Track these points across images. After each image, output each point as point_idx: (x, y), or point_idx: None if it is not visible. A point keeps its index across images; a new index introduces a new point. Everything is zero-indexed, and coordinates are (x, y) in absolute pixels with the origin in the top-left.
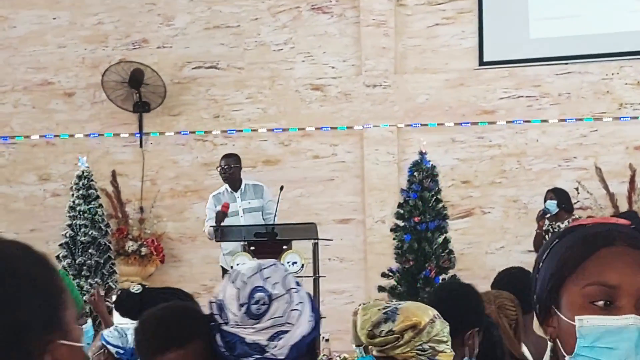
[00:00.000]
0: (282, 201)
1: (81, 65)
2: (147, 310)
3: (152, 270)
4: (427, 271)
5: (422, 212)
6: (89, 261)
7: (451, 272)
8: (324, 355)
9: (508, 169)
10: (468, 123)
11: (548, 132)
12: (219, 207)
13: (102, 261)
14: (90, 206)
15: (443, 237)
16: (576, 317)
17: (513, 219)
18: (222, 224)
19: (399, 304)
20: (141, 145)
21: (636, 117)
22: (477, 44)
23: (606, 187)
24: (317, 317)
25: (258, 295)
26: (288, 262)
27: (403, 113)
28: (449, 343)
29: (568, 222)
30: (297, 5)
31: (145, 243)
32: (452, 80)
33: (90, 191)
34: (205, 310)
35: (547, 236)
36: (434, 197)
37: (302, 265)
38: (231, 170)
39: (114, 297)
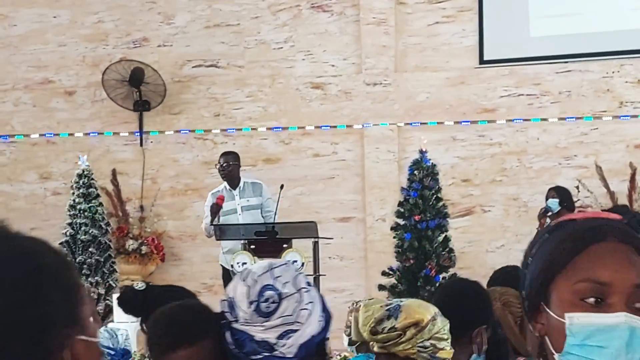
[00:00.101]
0: (283, 200)
1: (82, 63)
2: (158, 308)
3: (153, 268)
4: (427, 270)
5: (422, 210)
6: (89, 260)
7: (451, 271)
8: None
9: (508, 167)
10: (468, 121)
11: (548, 131)
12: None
13: (102, 260)
14: (90, 205)
15: (443, 235)
16: (566, 315)
17: (513, 218)
18: (221, 222)
19: (401, 301)
20: (141, 144)
21: (636, 116)
22: (478, 43)
23: (606, 186)
24: (327, 316)
25: (268, 293)
26: (288, 261)
27: (403, 111)
28: (449, 340)
29: None
30: (297, 4)
31: (145, 242)
32: (453, 78)
33: (90, 190)
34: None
35: None
36: (435, 196)
37: (303, 264)
38: (230, 167)
39: (114, 296)
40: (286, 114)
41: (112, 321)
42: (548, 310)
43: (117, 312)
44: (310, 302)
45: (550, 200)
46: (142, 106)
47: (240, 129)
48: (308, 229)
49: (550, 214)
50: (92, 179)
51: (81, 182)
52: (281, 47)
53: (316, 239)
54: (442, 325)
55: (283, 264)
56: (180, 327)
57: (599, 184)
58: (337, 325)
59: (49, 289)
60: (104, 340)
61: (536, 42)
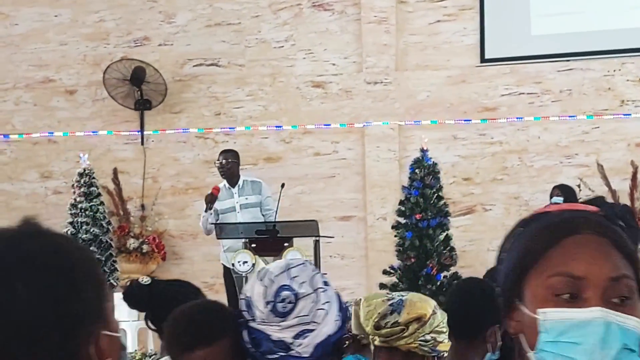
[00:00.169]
0: (283, 198)
1: (83, 62)
2: (164, 302)
3: (154, 267)
4: (428, 268)
5: (423, 209)
6: None
7: (453, 270)
8: None
9: (509, 166)
10: (469, 120)
11: (549, 129)
12: (216, 203)
13: (103, 259)
14: (91, 204)
15: (444, 234)
16: (539, 310)
17: (514, 216)
18: (220, 220)
19: (403, 296)
20: (142, 143)
21: (638, 114)
22: (479, 41)
23: (608, 184)
24: (344, 316)
25: (284, 293)
26: (306, 261)
27: (404, 110)
28: (447, 333)
29: None
30: (298, 3)
31: (146, 240)
32: (454, 77)
33: (91, 189)
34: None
35: None
36: (435, 194)
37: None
38: (229, 165)
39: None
40: (287, 112)
41: None
42: (522, 306)
43: (117, 310)
44: (327, 302)
45: (554, 198)
46: (143, 105)
47: (241, 128)
48: (309, 228)
49: None
50: (93, 177)
51: (82, 181)
52: (282, 46)
53: (317, 238)
54: (442, 319)
55: (300, 264)
56: (198, 326)
57: (600, 182)
58: None
59: (82, 286)
60: None
61: (537, 40)
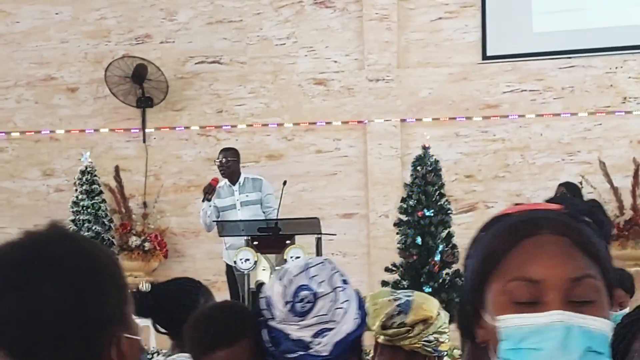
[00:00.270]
0: (285, 196)
1: (84, 60)
2: (166, 305)
3: (156, 265)
4: (430, 266)
5: (425, 206)
6: None
7: (454, 267)
8: None
9: (511, 163)
10: (471, 117)
11: (551, 126)
12: (217, 200)
13: None
14: (93, 201)
15: (446, 231)
16: (498, 317)
17: None
18: (221, 218)
19: (409, 296)
20: (144, 141)
21: None
22: (481, 38)
23: (610, 182)
24: (363, 314)
25: (303, 293)
26: (291, 257)
27: (406, 107)
28: (449, 333)
29: None
30: (299, 0)
31: (148, 238)
32: (456, 74)
33: (93, 186)
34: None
35: None
36: (438, 192)
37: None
38: (228, 164)
39: None
40: (289, 110)
41: None
42: (484, 314)
43: None
44: (346, 301)
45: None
46: (144, 103)
47: (243, 125)
48: (311, 225)
49: None
50: (95, 175)
51: (84, 178)
52: (283, 44)
53: (319, 235)
54: (445, 319)
55: (319, 263)
56: (219, 327)
57: (603, 179)
58: None
59: (106, 289)
60: None
61: (539, 37)
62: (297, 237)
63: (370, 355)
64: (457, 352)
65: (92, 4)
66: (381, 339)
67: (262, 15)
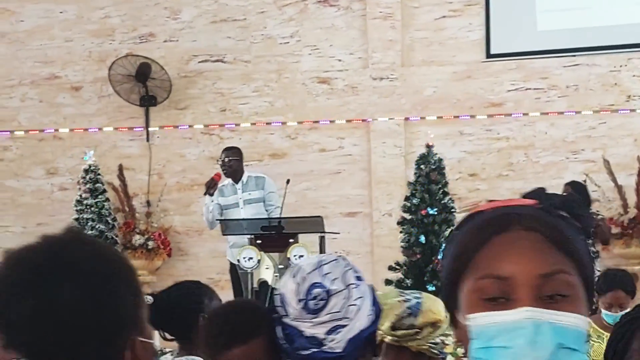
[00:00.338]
0: (289, 194)
1: (88, 59)
2: (171, 313)
3: (159, 263)
4: (434, 264)
5: (429, 205)
6: None
7: None
8: None
9: (515, 162)
10: (475, 116)
11: (556, 125)
12: (220, 198)
13: None
14: (97, 200)
15: (450, 230)
16: (468, 316)
17: None
18: (224, 216)
19: (419, 298)
20: (148, 139)
21: None
22: (485, 36)
23: (614, 180)
24: (377, 310)
25: (316, 291)
26: (294, 256)
27: (410, 106)
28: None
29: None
30: None
31: (152, 237)
32: (460, 72)
33: (97, 185)
34: None
35: None
36: (441, 190)
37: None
38: (230, 163)
39: None
40: (292, 108)
41: None
42: (458, 313)
43: None
44: (360, 298)
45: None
46: (148, 101)
47: (247, 124)
48: (314, 224)
49: None
50: (99, 174)
51: (88, 177)
52: (287, 42)
53: (322, 234)
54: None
55: (333, 260)
56: (234, 326)
57: (607, 178)
58: None
59: (122, 293)
60: None
61: (543, 35)
62: (300, 236)
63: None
64: (460, 351)
65: (96, 2)
66: (388, 339)
67: (266, 13)
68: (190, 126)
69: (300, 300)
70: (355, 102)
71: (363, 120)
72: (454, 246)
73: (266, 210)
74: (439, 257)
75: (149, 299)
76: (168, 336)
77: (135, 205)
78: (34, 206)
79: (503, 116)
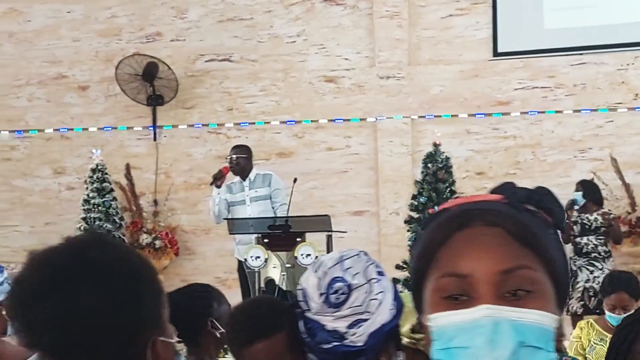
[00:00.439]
0: (296, 193)
1: (95, 58)
2: (180, 316)
3: (167, 263)
4: None
5: (436, 203)
6: None
7: None
8: None
9: (522, 160)
10: (482, 114)
11: (563, 123)
12: (228, 195)
13: None
14: (104, 199)
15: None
16: (428, 317)
17: None
18: (230, 213)
19: None
20: (155, 138)
21: None
22: (492, 35)
23: (622, 178)
24: (399, 305)
25: (337, 285)
26: (302, 255)
27: (417, 104)
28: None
29: (597, 214)
30: None
31: (159, 236)
32: (467, 71)
33: (104, 184)
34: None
35: (574, 227)
36: (448, 189)
37: (316, 258)
38: (237, 161)
39: None
40: (299, 107)
41: None
42: (421, 315)
43: None
44: (381, 292)
45: (574, 193)
46: (155, 101)
47: (254, 123)
48: (321, 223)
49: (576, 207)
50: (106, 173)
51: (95, 176)
52: (294, 41)
53: (330, 233)
54: None
55: (355, 255)
56: (255, 322)
57: (614, 176)
58: None
59: (143, 294)
60: None
61: (550, 34)
62: (307, 235)
63: None
64: None
65: (104, 2)
66: (405, 340)
67: (273, 13)
68: (197, 125)
69: (321, 294)
70: (362, 101)
71: (370, 119)
72: (418, 245)
73: (272, 208)
74: (410, 258)
75: None
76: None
77: (142, 204)
78: (42, 205)
79: (510, 115)
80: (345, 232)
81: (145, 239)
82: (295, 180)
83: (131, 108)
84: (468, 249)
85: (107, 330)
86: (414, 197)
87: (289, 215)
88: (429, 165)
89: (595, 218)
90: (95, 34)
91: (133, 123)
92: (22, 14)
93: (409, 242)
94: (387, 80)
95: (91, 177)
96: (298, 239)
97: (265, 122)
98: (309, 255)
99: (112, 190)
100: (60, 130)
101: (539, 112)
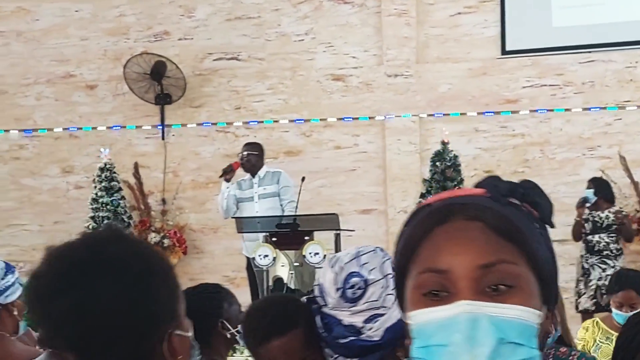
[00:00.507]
0: (304, 192)
1: (103, 57)
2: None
3: (175, 262)
4: None
5: None
6: None
7: None
8: None
9: (531, 159)
10: (491, 112)
11: (572, 121)
12: (237, 191)
13: None
14: (112, 198)
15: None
16: (408, 314)
17: None
18: (239, 209)
19: None
20: (163, 137)
21: None
22: (500, 33)
23: (630, 176)
24: None
25: (354, 280)
26: (310, 253)
27: (425, 103)
28: None
29: (609, 211)
30: None
31: (167, 235)
32: (475, 69)
33: (112, 183)
34: None
35: (585, 225)
36: (457, 187)
37: (324, 256)
38: (247, 158)
39: None
40: (307, 106)
41: None
42: (404, 315)
43: None
44: None
45: (585, 190)
46: (163, 99)
47: (262, 122)
48: (329, 221)
49: (588, 204)
50: (114, 172)
51: (103, 175)
52: (302, 39)
53: (338, 231)
54: None
55: (371, 251)
56: (272, 319)
57: (623, 174)
58: None
59: (158, 289)
60: None
61: (559, 32)
62: (315, 233)
63: None
64: None
65: (112, 1)
66: None
67: (281, 11)
68: (205, 124)
69: (338, 289)
70: (370, 100)
71: (378, 118)
72: (400, 242)
73: (280, 205)
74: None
75: None
76: None
77: (150, 203)
78: (50, 204)
79: (518, 113)
80: (354, 230)
81: (153, 237)
82: (303, 178)
83: (139, 107)
84: (447, 243)
85: (123, 325)
86: (422, 196)
87: (297, 213)
88: (437, 163)
89: (607, 215)
90: (104, 33)
91: (141, 122)
92: (30, 13)
93: None
94: (395, 79)
95: (99, 176)
96: (306, 238)
97: (273, 121)
98: (317, 253)
99: (120, 189)
100: (69, 129)
101: (547, 110)
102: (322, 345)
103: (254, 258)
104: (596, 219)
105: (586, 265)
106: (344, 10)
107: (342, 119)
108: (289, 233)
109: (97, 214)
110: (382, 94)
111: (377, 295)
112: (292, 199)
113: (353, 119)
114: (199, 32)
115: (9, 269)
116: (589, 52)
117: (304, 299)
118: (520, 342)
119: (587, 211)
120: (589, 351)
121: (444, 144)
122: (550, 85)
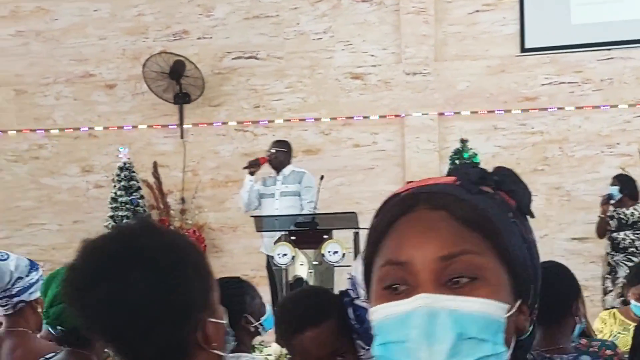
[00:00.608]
0: (323, 190)
1: (122, 56)
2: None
3: None
4: None
5: None
6: None
7: None
8: None
9: (550, 156)
10: (509, 110)
11: (590, 119)
12: (261, 187)
13: None
14: (131, 197)
15: None
16: (369, 310)
17: (556, 207)
18: (260, 206)
19: None
20: (182, 136)
21: None
22: (519, 31)
23: None
24: None
25: None
26: (329, 252)
27: (444, 101)
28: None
29: (634, 209)
30: None
31: (186, 234)
32: (493, 67)
33: (131, 182)
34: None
35: (610, 222)
36: None
37: (343, 255)
38: (274, 155)
39: None
40: (326, 104)
41: None
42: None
43: None
44: None
45: (610, 187)
46: (182, 99)
47: (280, 120)
48: (348, 220)
49: (612, 201)
50: (133, 171)
51: (122, 174)
52: (320, 38)
53: (357, 230)
54: None
55: None
56: (305, 310)
57: None
58: None
59: (191, 278)
60: None
61: (577, 29)
62: (334, 232)
63: None
64: None
65: (130, 0)
66: None
67: (299, 9)
68: (224, 123)
69: None
70: (388, 98)
71: (396, 116)
72: (368, 235)
73: (300, 204)
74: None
75: None
76: None
77: (169, 202)
78: (70, 204)
79: (537, 110)
80: None
81: None
82: (322, 177)
83: (158, 106)
84: (409, 234)
85: (158, 314)
86: None
87: (316, 212)
88: (456, 161)
89: (632, 212)
90: (122, 32)
91: (160, 121)
92: (49, 13)
93: None
94: (413, 77)
95: (119, 175)
96: (325, 236)
97: (292, 120)
98: (336, 252)
99: (139, 188)
100: (88, 128)
101: (566, 108)
102: (354, 337)
103: (272, 257)
104: (621, 216)
105: (612, 263)
106: (362, 8)
107: (361, 117)
108: (308, 232)
109: (116, 213)
110: (401, 92)
111: None
112: (312, 199)
113: (371, 117)
114: (218, 31)
115: (33, 266)
116: (608, 49)
117: (337, 291)
118: (483, 337)
119: (611, 208)
120: None
121: (463, 141)
122: (569, 82)
